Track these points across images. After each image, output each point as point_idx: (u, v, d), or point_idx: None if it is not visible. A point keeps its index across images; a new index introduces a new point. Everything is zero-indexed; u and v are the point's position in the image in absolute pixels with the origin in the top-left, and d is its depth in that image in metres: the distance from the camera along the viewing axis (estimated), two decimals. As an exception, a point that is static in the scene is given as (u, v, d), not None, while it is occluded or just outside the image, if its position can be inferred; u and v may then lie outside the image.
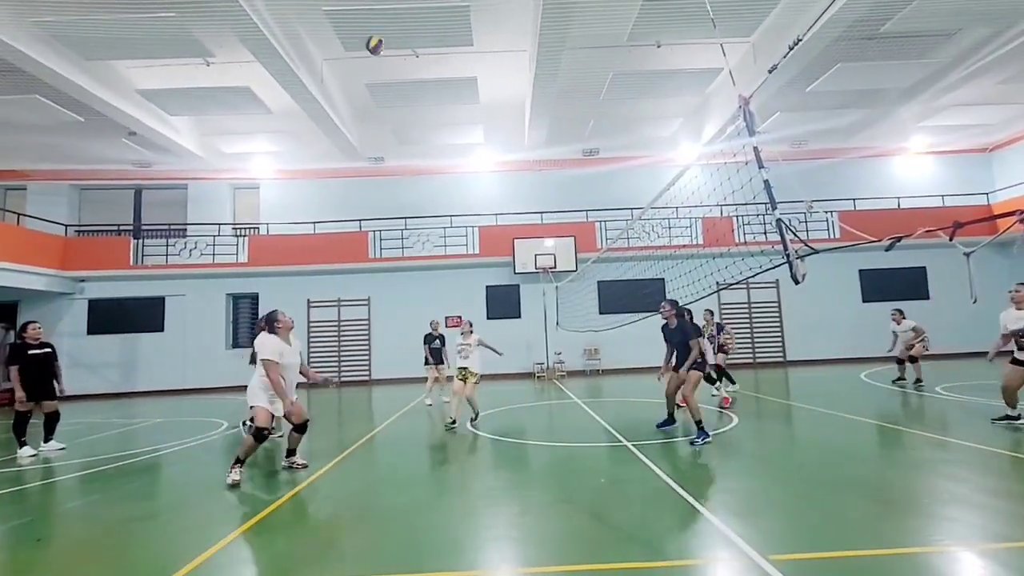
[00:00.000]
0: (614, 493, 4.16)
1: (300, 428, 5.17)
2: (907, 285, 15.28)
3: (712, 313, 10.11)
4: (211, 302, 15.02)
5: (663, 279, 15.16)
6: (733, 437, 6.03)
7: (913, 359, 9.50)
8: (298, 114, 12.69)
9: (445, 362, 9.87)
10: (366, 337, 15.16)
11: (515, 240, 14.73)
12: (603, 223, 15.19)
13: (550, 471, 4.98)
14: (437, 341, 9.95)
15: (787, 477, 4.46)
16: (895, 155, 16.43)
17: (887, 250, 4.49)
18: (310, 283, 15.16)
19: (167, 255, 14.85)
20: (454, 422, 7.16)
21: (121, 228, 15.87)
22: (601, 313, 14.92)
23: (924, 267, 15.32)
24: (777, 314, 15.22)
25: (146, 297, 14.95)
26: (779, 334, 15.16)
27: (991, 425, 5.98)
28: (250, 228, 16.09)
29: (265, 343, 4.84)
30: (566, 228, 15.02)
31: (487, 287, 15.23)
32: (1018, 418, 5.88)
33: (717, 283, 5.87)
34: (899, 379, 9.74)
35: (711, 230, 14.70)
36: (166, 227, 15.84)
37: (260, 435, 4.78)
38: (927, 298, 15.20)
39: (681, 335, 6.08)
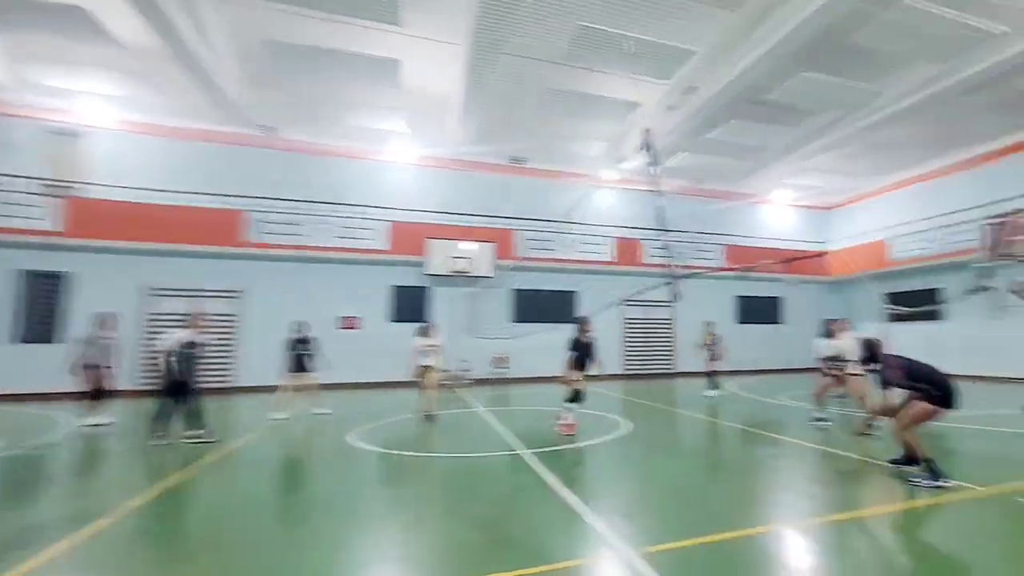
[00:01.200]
0: (503, 503, 4.13)
1: None
2: (767, 311, 17.65)
3: (710, 324, 11.20)
4: (-8, 279, 10.66)
5: (575, 291, 15.26)
6: (623, 442, 6.28)
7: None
8: (158, 54, 9.89)
9: (308, 370, 8.34)
10: (232, 336, 12.17)
11: (428, 239, 13.37)
12: (522, 232, 14.66)
13: (438, 484, 4.75)
14: (302, 346, 8.31)
15: (664, 476, 4.91)
16: (766, 203, 19.14)
17: (736, 274, 5.60)
18: (153, 264, 11.75)
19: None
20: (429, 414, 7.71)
21: None
22: (514, 321, 14.23)
23: (777, 298, 17.90)
24: (670, 330, 16.21)
25: None
26: (671, 348, 16.14)
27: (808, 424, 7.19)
28: (65, 186, 11.98)
29: None
30: (484, 232, 14.13)
31: (394, 286, 13.48)
32: (827, 420, 7.16)
33: (620, 297, 6.06)
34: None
35: (622, 249, 15.20)
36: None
37: None
38: (780, 323, 17.74)
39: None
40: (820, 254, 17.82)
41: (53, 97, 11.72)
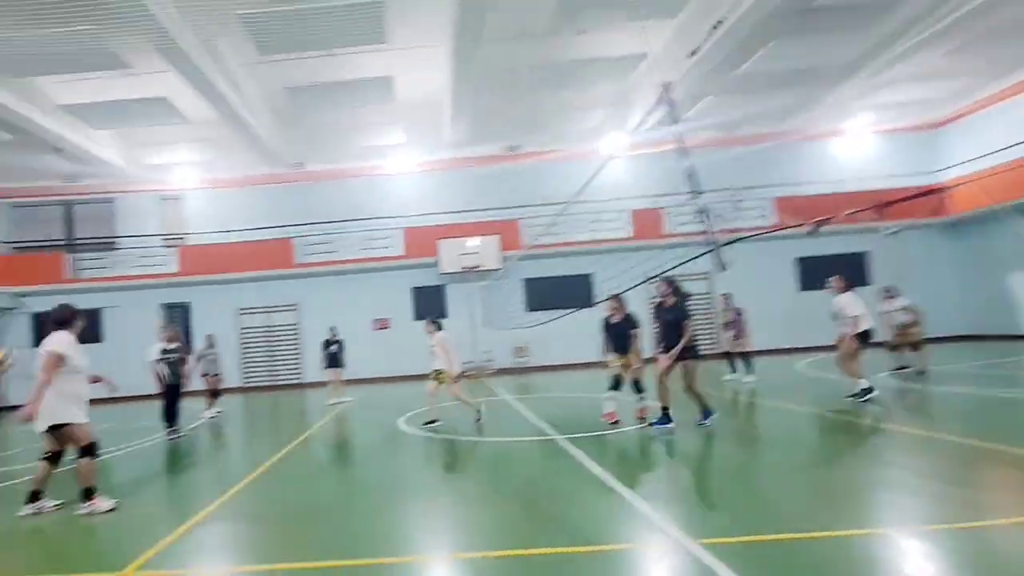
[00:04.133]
0: (544, 485, 4.25)
1: (90, 449, 4.35)
2: (847, 272, 14.64)
3: (728, 297, 10.12)
4: (145, 312, 15.27)
5: (590, 274, 14.95)
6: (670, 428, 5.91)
7: (914, 345, 8.44)
8: (217, 122, 12.56)
9: (342, 366, 10.52)
10: (296, 342, 15.31)
11: (439, 241, 14.53)
12: (527, 220, 14.83)
13: (481, 465, 5.16)
14: (334, 346, 10.47)
15: (720, 463, 4.62)
16: (835, 136, 15.57)
17: (810, 234, 4.59)
18: (240, 291, 15.27)
19: (100, 268, 15.06)
20: (434, 422, 6.88)
21: (54, 243, 16.09)
22: (529, 310, 14.77)
23: (864, 252, 14.71)
24: (709, 306, 14.85)
25: (83, 309, 15.20)
26: (710, 326, 14.83)
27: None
28: (178, 238, 16.18)
29: (62, 339, 4.31)
30: (491, 226, 14.74)
31: (413, 288, 15.15)
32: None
33: (646, 275, 5.80)
34: (900, 368, 8.55)
35: (640, 222, 14.28)
36: (97, 240, 16.01)
37: (95, 450, 4.29)
38: (868, 284, 14.63)
39: (674, 316, 5.78)
40: (935, 190, 13.82)
41: (158, 172, 15.71)
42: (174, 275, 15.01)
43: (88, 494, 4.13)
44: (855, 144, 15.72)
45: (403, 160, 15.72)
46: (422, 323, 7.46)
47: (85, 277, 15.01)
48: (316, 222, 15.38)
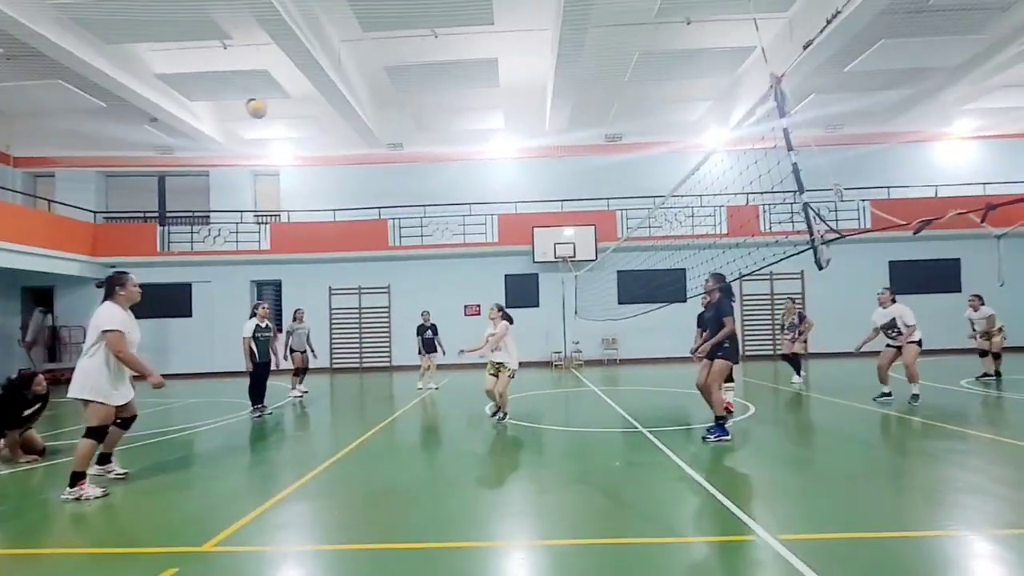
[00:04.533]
0: (629, 476, 4.27)
1: (128, 423, 4.47)
2: (939, 277, 14.75)
3: (794, 301, 10.57)
4: (235, 288, 15.32)
5: (684, 269, 14.88)
6: (750, 426, 6.12)
7: (994, 354, 8.87)
8: (316, 99, 12.56)
9: (439, 350, 10.42)
10: (386, 324, 15.34)
11: (535, 229, 14.55)
12: (624, 212, 14.88)
13: (567, 454, 5.13)
14: (428, 332, 10.45)
15: (801, 464, 4.60)
16: (936, 140, 15.60)
17: (915, 233, 4.43)
18: (331, 270, 15.30)
19: (192, 242, 15.11)
20: (498, 413, 6.58)
21: (147, 215, 16.13)
22: (620, 303, 14.78)
23: (958, 259, 14.72)
24: (801, 306, 14.84)
25: (174, 283, 15.30)
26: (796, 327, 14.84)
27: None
28: (271, 215, 16.21)
29: (112, 313, 3.99)
30: (586, 216, 14.76)
31: (506, 276, 15.18)
32: (889, 394, 6.88)
33: (740, 272, 5.73)
34: (984, 375, 8.98)
35: (735, 218, 14.29)
36: (190, 214, 16.06)
37: (102, 433, 4.01)
38: (959, 291, 14.64)
39: (716, 311, 5.34)
40: None
41: (253, 147, 15.73)
42: (266, 252, 15.04)
43: (75, 479, 3.82)
44: (955, 149, 15.74)
45: (501, 146, 15.73)
46: (511, 311, 6.70)
47: (176, 251, 15.05)
48: (411, 204, 15.39)
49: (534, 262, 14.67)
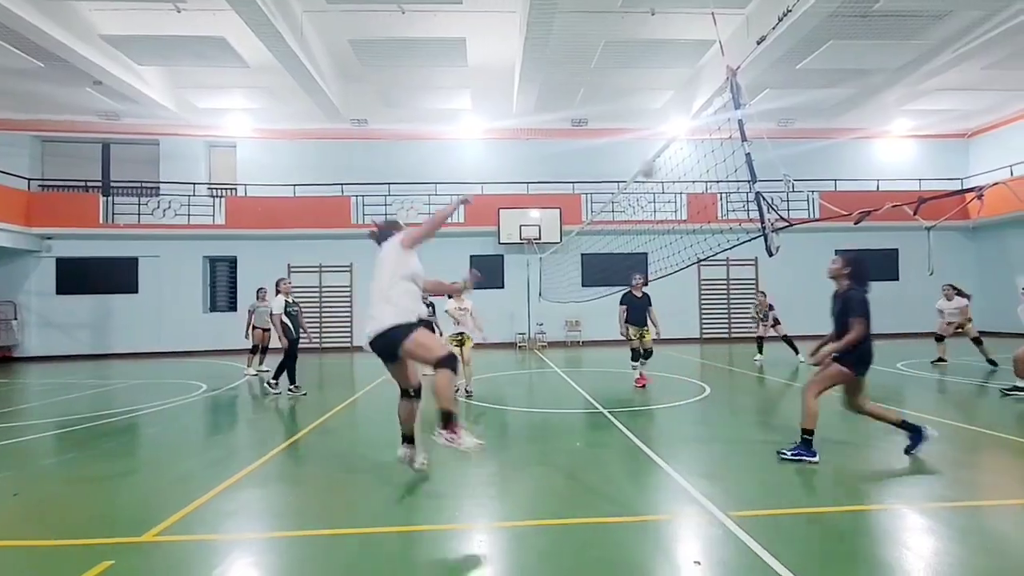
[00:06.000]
0: (588, 456, 4.31)
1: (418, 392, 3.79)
2: (880, 266, 15.79)
3: (764, 295, 11.13)
4: (186, 264, 14.63)
5: (646, 253, 15.34)
6: (704, 406, 6.33)
7: (974, 339, 9.08)
8: (277, 69, 12.12)
9: (436, 331, 9.93)
10: (348, 304, 15.04)
11: (500, 210, 14.61)
12: (589, 196, 15.14)
13: (528, 435, 5.15)
14: (428, 309, 10.04)
15: (754, 443, 4.69)
16: (878, 137, 16.66)
17: (856, 223, 4.58)
18: (290, 247, 14.85)
19: (139, 214, 14.31)
20: (469, 393, 6.99)
21: (89, 184, 15.15)
22: (584, 285, 15.06)
23: (897, 249, 15.81)
24: (753, 291, 15.58)
25: (118, 257, 14.47)
26: (754, 309, 15.59)
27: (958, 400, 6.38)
28: (227, 189, 15.55)
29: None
30: (552, 199, 14.94)
31: (471, 256, 15.17)
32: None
33: (697, 256, 5.94)
34: (939, 360, 9.26)
35: (695, 205, 14.82)
36: (137, 184, 15.19)
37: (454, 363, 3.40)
38: (897, 279, 15.76)
39: (842, 305, 4.10)
40: (973, 190, 14.98)
41: (210, 117, 15.02)
42: (220, 227, 14.43)
43: (447, 419, 3.30)
44: (895, 146, 16.83)
45: (468, 126, 15.65)
46: (478, 292, 7.41)
47: (122, 223, 14.23)
48: (376, 182, 15.12)
49: (499, 243, 14.73)
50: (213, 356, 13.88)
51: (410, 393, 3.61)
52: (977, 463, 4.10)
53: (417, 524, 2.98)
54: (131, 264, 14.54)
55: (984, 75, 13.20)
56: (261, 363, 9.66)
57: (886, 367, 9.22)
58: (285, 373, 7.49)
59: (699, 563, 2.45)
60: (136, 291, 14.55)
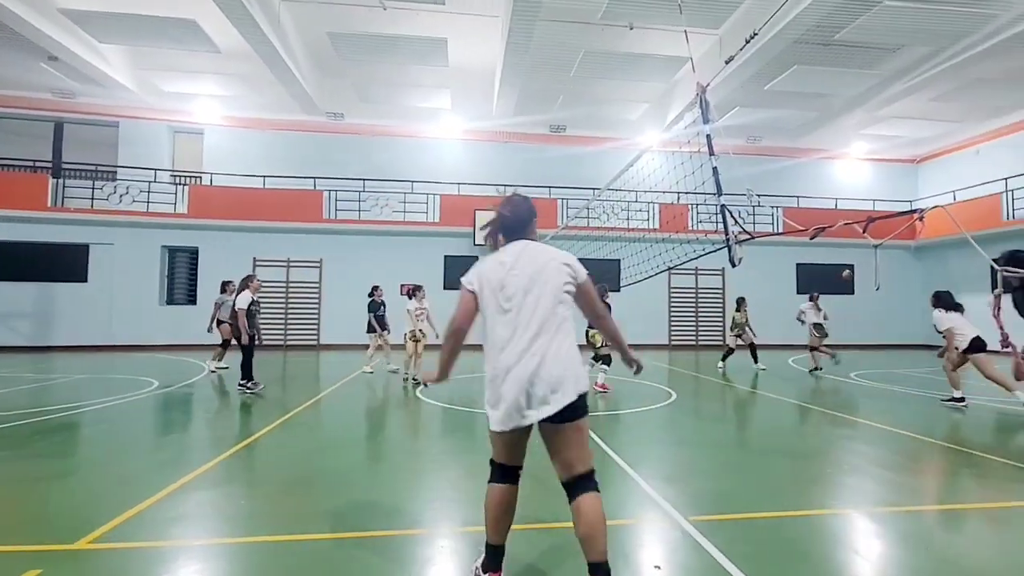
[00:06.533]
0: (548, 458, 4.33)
1: None
2: (836, 281, 16.55)
3: (744, 300, 11.28)
4: (143, 253, 13.93)
5: (618, 260, 15.63)
6: (670, 411, 6.43)
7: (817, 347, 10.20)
8: (251, 57, 11.75)
9: (388, 329, 9.91)
10: (316, 300, 14.66)
11: (477, 211, 14.57)
12: (565, 201, 15.31)
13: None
14: (382, 308, 9.94)
15: (714, 448, 4.81)
16: (838, 159, 17.55)
17: (811, 238, 4.88)
18: (257, 240, 14.35)
19: (92, 198, 13.55)
20: (417, 383, 7.76)
21: (38, 164, 14.25)
22: (556, 290, 15.16)
23: (852, 264, 16.55)
24: (721, 300, 16.10)
25: (67, 244, 13.63)
26: (721, 318, 16.10)
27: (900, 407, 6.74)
28: (191, 177, 14.92)
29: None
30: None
31: (446, 256, 15.06)
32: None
33: (667, 265, 6.09)
34: (815, 368, 10.07)
35: (667, 215, 15.20)
36: (92, 167, 14.38)
37: None
38: (852, 293, 16.58)
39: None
40: (915, 212, 16.03)
41: (176, 101, 14.40)
42: (182, 216, 13.82)
43: None
44: (852, 168, 17.78)
45: (447, 126, 15.56)
46: (451, 293, 7.90)
47: (73, 207, 13.43)
48: (350, 177, 14.82)
49: (475, 244, 14.68)
50: (169, 351, 13.24)
51: (515, 473, 2.33)
52: (920, 469, 4.29)
53: (377, 530, 2.88)
54: (81, 251, 13.73)
55: (932, 106, 14.12)
56: (221, 359, 9.27)
57: (841, 376, 9.71)
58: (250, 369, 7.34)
59: (659, 567, 2.48)
60: (85, 279, 13.75)
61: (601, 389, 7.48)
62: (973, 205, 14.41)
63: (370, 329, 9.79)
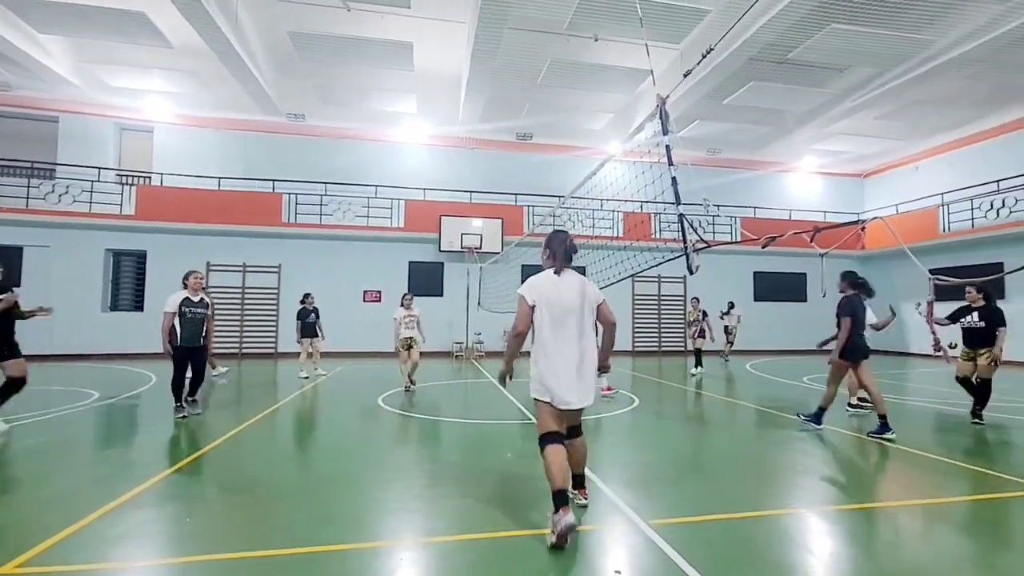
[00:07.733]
0: (520, 467, 4.28)
1: None
2: (790, 288, 17.38)
3: (698, 300, 11.53)
4: (85, 257, 13.07)
5: (584, 267, 15.84)
6: (633, 416, 6.54)
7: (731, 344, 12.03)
8: (205, 53, 11.29)
9: (320, 335, 10.07)
10: (274, 307, 14.12)
11: (442, 217, 14.45)
12: (531, 208, 15.40)
13: (459, 447, 5.05)
14: (312, 316, 9.97)
15: (676, 453, 4.91)
16: (791, 172, 18.44)
17: (763, 247, 5.17)
18: (211, 244, 13.73)
19: (27, 198, 12.61)
20: (410, 384, 8.11)
21: (-35, 160, 13.16)
22: (523, 296, 15.20)
23: (804, 273, 17.48)
24: (682, 307, 16.55)
25: (-4, 245, 12.62)
26: (683, 325, 16.54)
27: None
28: (140, 176, 14.13)
29: None
30: (494, 209, 15.01)
31: (410, 262, 14.85)
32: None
33: (631, 271, 6.22)
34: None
35: (631, 223, 15.55)
36: (28, 164, 13.40)
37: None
38: (805, 300, 17.42)
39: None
40: (857, 224, 17.05)
41: (123, 97, 13.64)
42: (129, 217, 13.05)
43: None
44: (804, 181, 18.67)
45: (412, 131, 15.38)
46: (416, 299, 8.51)
47: (5, 207, 12.46)
48: (311, 180, 14.41)
49: (440, 251, 14.54)
50: (113, 360, 12.43)
51: (563, 435, 3.04)
52: (867, 469, 4.48)
53: (335, 543, 2.77)
54: (13, 253, 12.74)
55: (877, 124, 15.06)
56: (214, 368, 8.99)
57: (793, 380, 10.12)
58: (191, 386, 6.46)
59: (619, 572, 2.49)
60: (18, 284, 12.73)
61: (606, 393, 7.77)
62: (913, 218, 15.42)
63: (300, 336, 9.87)
